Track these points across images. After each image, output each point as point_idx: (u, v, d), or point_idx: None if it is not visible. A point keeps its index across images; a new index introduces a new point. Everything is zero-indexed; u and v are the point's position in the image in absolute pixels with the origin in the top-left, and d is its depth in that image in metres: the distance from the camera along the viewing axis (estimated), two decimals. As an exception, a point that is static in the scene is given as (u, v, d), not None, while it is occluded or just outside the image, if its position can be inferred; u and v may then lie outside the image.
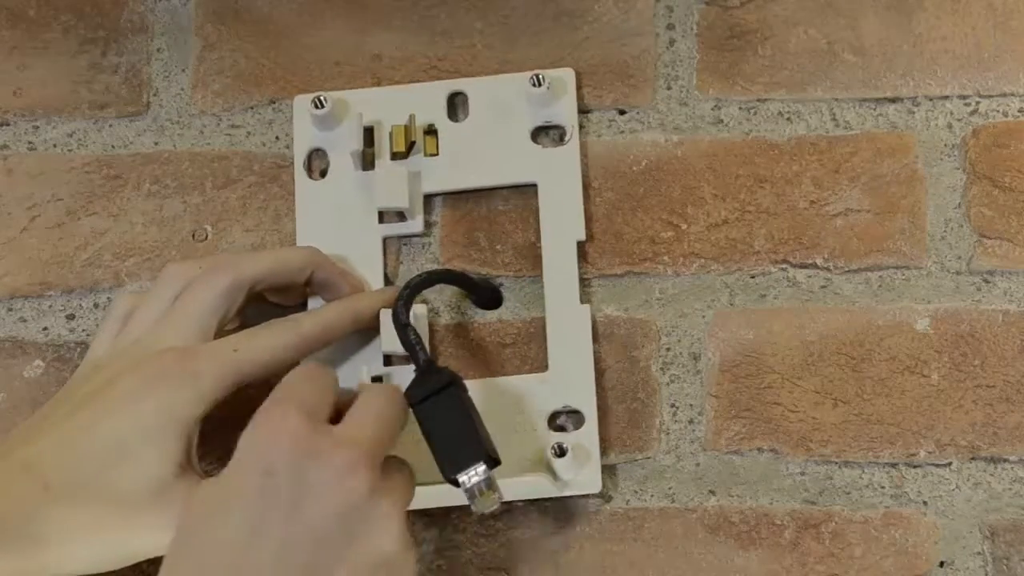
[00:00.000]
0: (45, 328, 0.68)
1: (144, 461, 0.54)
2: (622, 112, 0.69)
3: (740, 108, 0.68)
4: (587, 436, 0.63)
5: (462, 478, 0.56)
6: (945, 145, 0.67)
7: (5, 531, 0.53)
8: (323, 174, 0.68)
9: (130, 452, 0.54)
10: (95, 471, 0.54)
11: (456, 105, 0.69)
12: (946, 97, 0.68)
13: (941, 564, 0.62)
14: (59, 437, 0.55)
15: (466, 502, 0.56)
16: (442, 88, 0.68)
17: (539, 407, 0.64)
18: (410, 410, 0.57)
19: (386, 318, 0.62)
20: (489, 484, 0.56)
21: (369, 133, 0.67)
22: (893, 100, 0.68)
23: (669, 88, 0.69)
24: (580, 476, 0.62)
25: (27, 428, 0.57)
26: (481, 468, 0.56)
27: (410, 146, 0.67)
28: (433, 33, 0.70)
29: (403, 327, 0.60)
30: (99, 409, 0.55)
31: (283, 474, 0.50)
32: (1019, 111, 0.67)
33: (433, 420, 0.57)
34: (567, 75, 0.68)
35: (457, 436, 0.56)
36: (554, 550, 0.64)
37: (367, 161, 0.67)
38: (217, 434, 0.56)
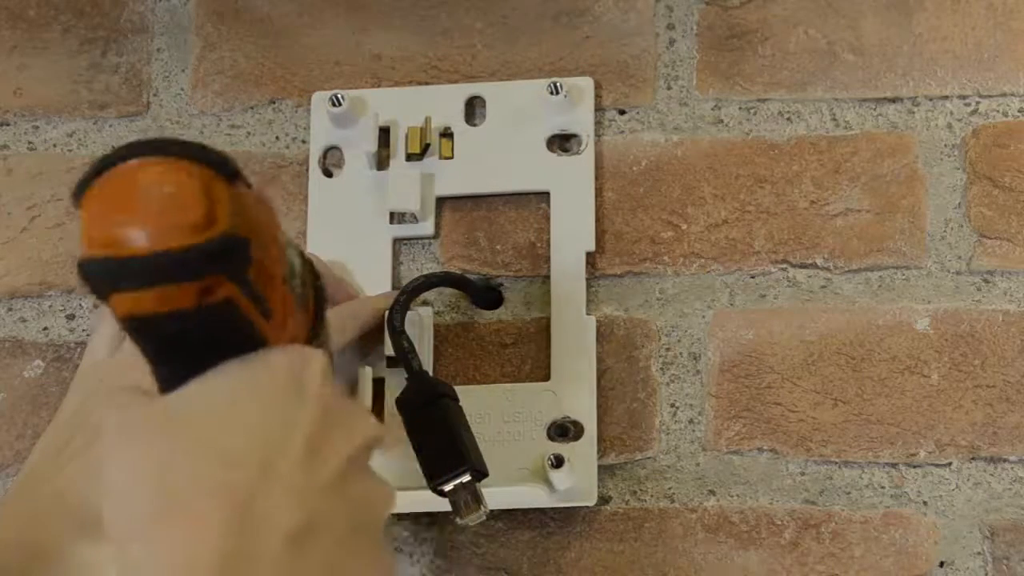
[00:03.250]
0: (45, 328, 0.68)
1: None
2: (622, 112, 0.69)
3: (740, 108, 0.68)
4: (585, 447, 0.63)
5: (446, 488, 0.56)
6: (945, 145, 0.67)
7: (43, 566, 0.53)
8: (333, 173, 0.68)
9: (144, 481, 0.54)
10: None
11: (473, 109, 0.69)
12: (946, 97, 0.68)
13: (941, 564, 0.62)
14: (83, 468, 0.54)
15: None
16: (460, 91, 0.68)
17: (539, 416, 0.63)
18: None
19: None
20: (475, 496, 0.56)
21: (385, 133, 0.67)
22: (893, 100, 0.68)
23: (669, 88, 0.69)
24: (576, 487, 0.62)
25: (48, 454, 0.56)
26: (466, 480, 0.56)
27: (425, 148, 0.67)
28: (433, 33, 0.70)
29: (397, 334, 0.60)
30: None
31: None
32: (1019, 111, 0.67)
33: (421, 430, 0.57)
34: (585, 83, 0.68)
35: (444, 447, 0.56)
36: (554, 550, 0.64)
37: (381, 161, 0.67)
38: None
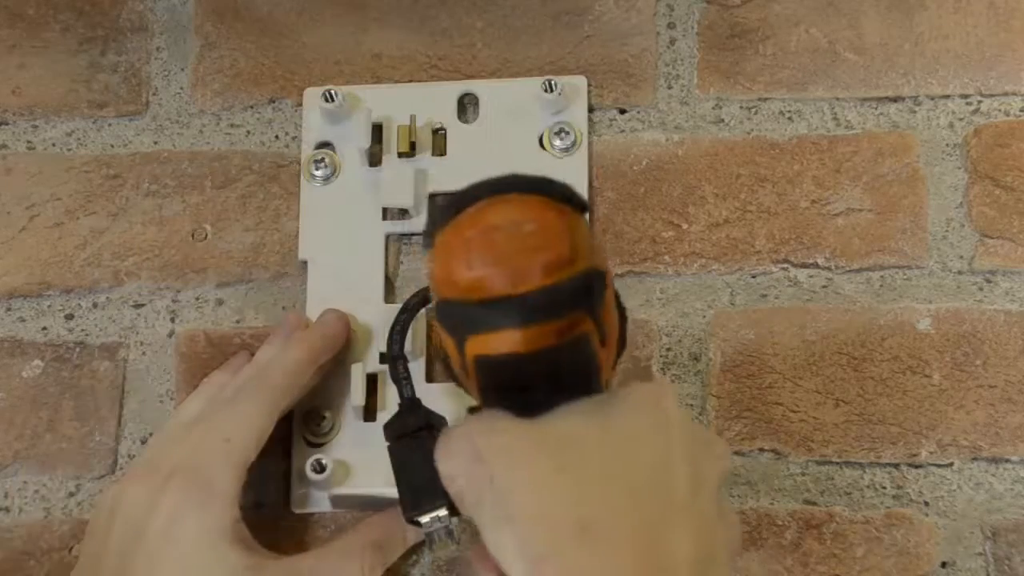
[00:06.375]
0: (44, 328, 0.68)
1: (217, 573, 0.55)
2: (623, 111, 0.69)
3: (741, 107, 0.68)
4: None
5: (423, 520, 0.55)
6: (947, 144, 0.67)
7: None
8: (328, 169, 0.67)
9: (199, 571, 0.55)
10: None
11: (466, 106, 0.69)
12: (947, 96, 0.68)
13: (943, 564, 0.62)
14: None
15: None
16: (453, 89, 0.68)
17: None
18: None
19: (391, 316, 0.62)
20: (448, 532, 0.55)
21: (378, 130, 0.67)
22: (894, 99, 0.68)
23: (670, 87, 0.69)
24: None
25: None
26: (443, 514, 0.55)
27: (411, 146, 0.67)
28: (433, 33, 0.70)
29: (393, 359, 0.59)
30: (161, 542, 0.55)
31: None
32: (1021, 110, 0.67)
33: (404, 460, 0.56)
34: (579, 81, 0.68)
35: (424, 479, 0.54)
36: (554, 550, 0.64)
37: (375, 157, 0.67)
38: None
